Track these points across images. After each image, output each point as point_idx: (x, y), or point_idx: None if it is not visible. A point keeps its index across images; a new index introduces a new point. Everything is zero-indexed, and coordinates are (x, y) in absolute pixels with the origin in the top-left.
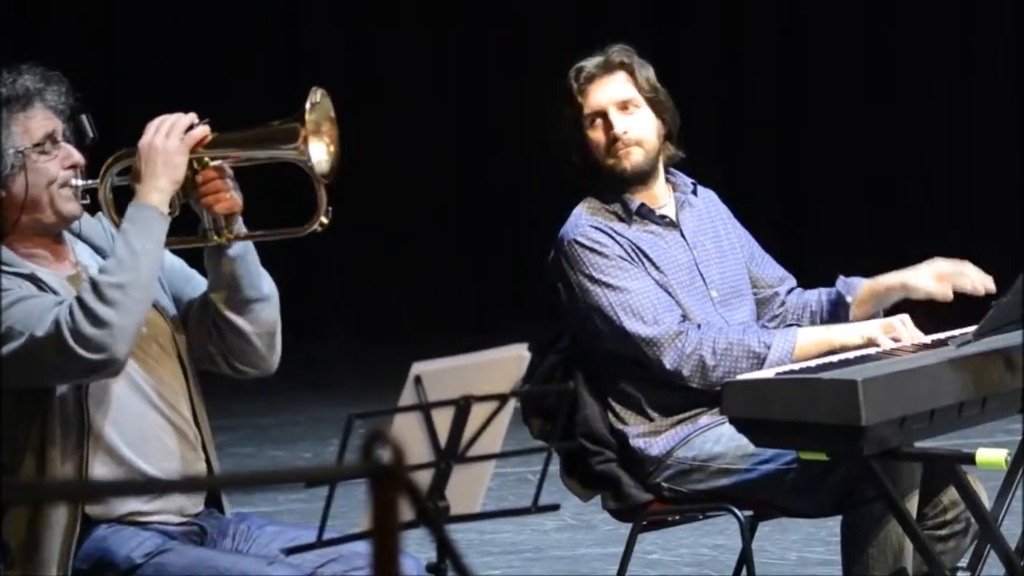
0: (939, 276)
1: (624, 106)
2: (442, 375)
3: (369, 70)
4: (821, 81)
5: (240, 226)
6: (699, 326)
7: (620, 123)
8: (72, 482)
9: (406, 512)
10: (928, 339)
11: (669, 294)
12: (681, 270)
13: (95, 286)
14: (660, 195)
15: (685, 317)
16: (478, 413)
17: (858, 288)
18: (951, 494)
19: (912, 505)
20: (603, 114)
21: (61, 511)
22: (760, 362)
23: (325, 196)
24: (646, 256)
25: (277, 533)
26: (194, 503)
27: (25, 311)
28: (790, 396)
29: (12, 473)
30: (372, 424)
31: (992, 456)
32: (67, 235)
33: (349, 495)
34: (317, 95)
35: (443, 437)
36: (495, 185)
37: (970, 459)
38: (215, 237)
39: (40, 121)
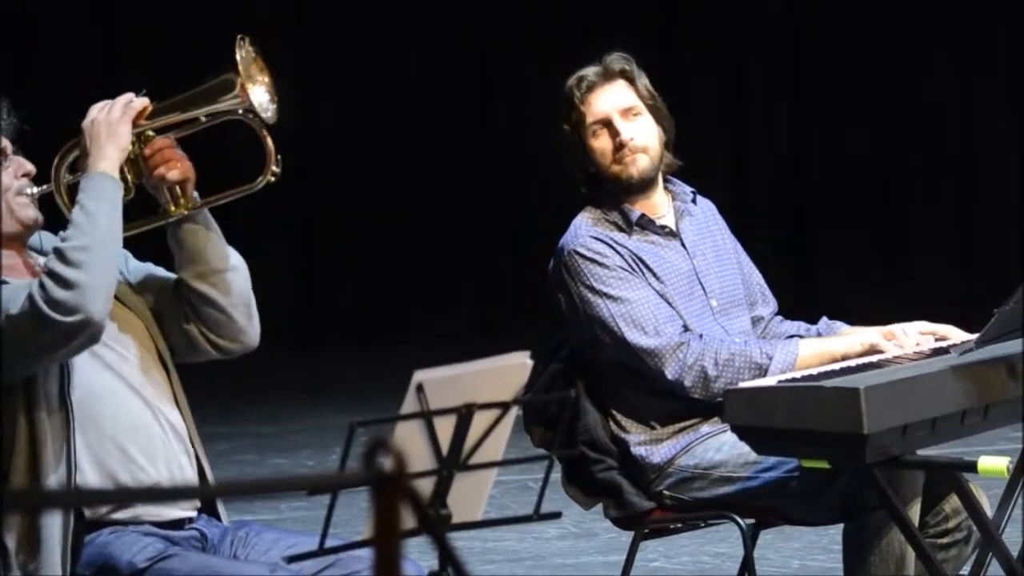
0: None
1: (627, 113)
2: (444, 383)
3: (373, 74)
4: (824, 88)
5: (196, 196)
6: (701, 336)
7: (626, 130)
8: (73, 489)
9: (408, 520)
10: (930, 347)
11: (669, 304)
12: (681, 279)
13: (59, 252)
14: (659, 204)
15: (686, 327)
16: (480, 421)
17: (837, 333)
18: (953, 502)
19: (914, 513)
20: (607, 122)
21: (56, 518)
22: (762, 373)
23: (272, 145)
24: (646, 266)
25: (275, 540)
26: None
27: None
28: (792, 404)
29: (4, 475)
30: (374, 432)
31: (994, 464)
32: (31, 252)
33: (351, 503)
34: (244, 46)
35: (445, 445)
36: (499, 192)
37: (972, 467)
38: (173, 208)
39: None
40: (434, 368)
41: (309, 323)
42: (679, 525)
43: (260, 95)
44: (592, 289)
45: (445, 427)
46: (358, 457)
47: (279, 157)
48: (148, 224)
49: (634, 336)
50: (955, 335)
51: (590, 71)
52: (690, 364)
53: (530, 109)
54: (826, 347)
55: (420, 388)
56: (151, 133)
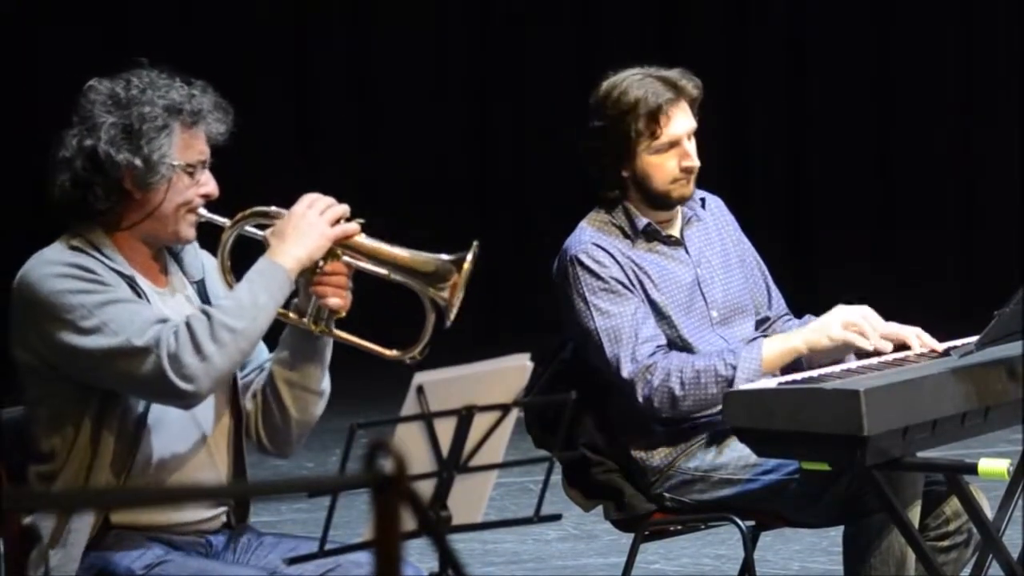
0: (884, 335)
1: (691, 136)
2: (444, 385)
3: (372, 75)
4: (826, 93)
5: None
6: (667, 355)
7: (695, 156)
8: (73, 491)
9: (408, 522)
10: (930, 350)
11: (667, 316)
12: (682, 291)
13: (210, 319)
14: (671, 212)
15: (671, 344)
16: (480, 423)
17: None
18: (953, 504)
19: (914, 515)
20: (678, 143)
21: (87, 517)
22: (729, 383)
23: (430, 335)
24: (648, 276)
25: (275, 544)
26: (212, 524)
27: (124, 313)
28: (792, 406)
29: (58, 473)
30: (374, 434)
31: (994, 466)
32: (164, 251)
33: (351, 505)
34: (473, 250)
35: (445, 447)
36: (500, 194)
37: (972, 469)
38: (313, 325)
39: (200, 144)
40: (434, 370)
41: None
42: (679, 527)
43: (458, 299)
44: (583, 299)
45: (445, 429)
46: (358, 459)
47: (428, 348)
48: (282, 317)
49: (612, 351)
50: (914, 343)
51: (666, 89)
52: (656, 386)
53: (532, 113)
54: (788, 344)
55: (420, 390)
56: (339, 252)
